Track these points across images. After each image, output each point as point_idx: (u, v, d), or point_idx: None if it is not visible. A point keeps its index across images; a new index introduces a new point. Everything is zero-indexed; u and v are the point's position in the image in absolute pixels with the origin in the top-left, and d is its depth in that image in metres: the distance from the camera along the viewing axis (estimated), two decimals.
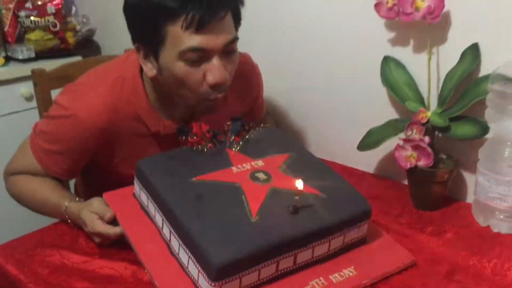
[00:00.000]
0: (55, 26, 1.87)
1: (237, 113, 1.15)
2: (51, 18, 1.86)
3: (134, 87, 1.07)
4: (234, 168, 0.95)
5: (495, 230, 1.06)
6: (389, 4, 1.12)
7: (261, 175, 0.94)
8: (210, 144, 1.01)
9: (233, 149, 1.01)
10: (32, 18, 1.85)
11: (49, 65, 1.75)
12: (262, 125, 1.09)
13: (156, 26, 0.95)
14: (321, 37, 1.36)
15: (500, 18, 1.07)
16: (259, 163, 0.98)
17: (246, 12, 1.03)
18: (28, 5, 1.86)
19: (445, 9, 1.08)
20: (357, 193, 0.96)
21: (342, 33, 1.32)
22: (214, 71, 0.97)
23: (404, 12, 1.10)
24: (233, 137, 1.02)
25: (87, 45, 2.00)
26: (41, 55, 1.88)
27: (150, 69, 1.02)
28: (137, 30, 1.01)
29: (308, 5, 1.36)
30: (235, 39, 1.00)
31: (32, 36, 1.86)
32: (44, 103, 1.42)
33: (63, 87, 1.13)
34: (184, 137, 1.01)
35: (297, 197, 0.86)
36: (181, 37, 0.94)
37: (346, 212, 0.91)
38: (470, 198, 1.18)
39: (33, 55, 1.84)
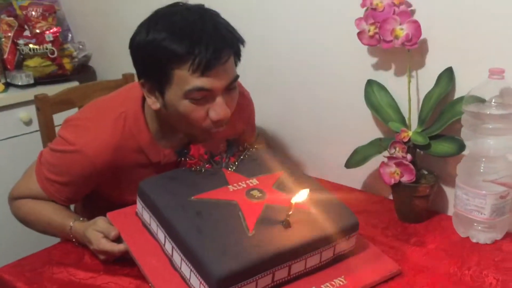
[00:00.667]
0: (53, 53, 1.90)
1: (230, 138, 1.17)
2: (49, 46, 1.89)
3: (136, 121, 1.09)
4: (230, 187, 0.99)
5: (474, 240, 1.10)
6: (371, 33, 1.17)
7: (256, 193, 0.97)
8: (208, 165, 1.04)
9: (229, 169, 1.04)
10: (30, 45, 1.88)
11: (47, 90, 1.78)
12: (255, 146, 1.12)
13: (162, 68, 0.98)
14: (309, 64, 1.41)
15: (472, 45, 1.12)
16: (254, 181, 1.01)
17: None
18: (27, 33, 1.90)
19: (422, 37, 1.13)
20: (346, 207, 0.99)
21: (328, 60, 1.37)
22: (217, 109, 1.00)
23: (384, 39, 1.15)
24: (228, 158, 1.06)
25: (83, 71, 2.03)
26: (39, 81, 1.91)
27: (154, 103, 1.05)
28: (143, 68, 1.03)
29: (297, 35, 1.41)
30: (236, 77, 1.03)
31: (31, 62, 1.90)
32: (46, 127, 1.47)
33: (64, 121, 1.14)
34: (183, 158, 1.05)
35: (290, 212, 0.89)
36: (187, 79, 0.97)
37: (336, 225, 0.93)
38: (450, 211, 1.22)
39: (32, 81, 1.87)
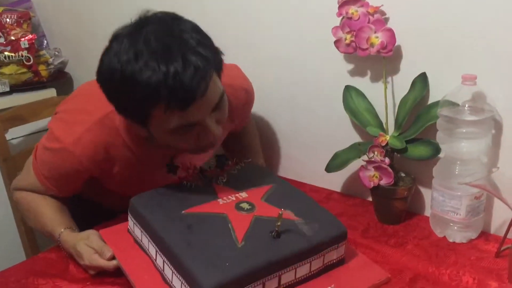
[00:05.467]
0: (28, 60, 1.87)
1: (226, 131, 1.18)
2: (24, 53, 1.86)
3: (123, 121, 1.04)
4: (220, 200, 1.00)
5: (451, 240, 1.13)
6: (347, 41, 1.19)
7: (245, 205, 0.98)
8: (198, 180, 1.05)
9: (219, 183, 1.05)
10: (6, 53, 1.85)
11: (24, 98, 1.79)
12: (244, 161, 1.12)
13: (137, 108, 0.89)
14: (289, 70, 1.43)
15: (444, 51, 1.15)
16: (243, 194, 1.02)
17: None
18: (1, 40, 1.86)
19: (396, 44, 1.15)
20: (333, 217, 1.00)
21: (308, 67, 1.39)
22: (208, 133, 0.94)
23: (360, 47, 1.17)
24: (218, 172, 1.07)
25: (60, 77, 2.00)
26: (15, 88, 1.87)
27: (139, 130, 0.98)
28: (117, 106, 0.94)
29: (278, 43, 1.43)
30: (222, 95, 0.93)
31: (6, 70, 1.86)
32: None
33: (57, 109, 1.14)
34: (173, 174, 1.05)
35: (278, 223, 0.91)
36: (167, 119, 0.88)
37: (324, 235, 0.94)
38: (428, 212, 1.25)
39: (7, 89, 1.83)
